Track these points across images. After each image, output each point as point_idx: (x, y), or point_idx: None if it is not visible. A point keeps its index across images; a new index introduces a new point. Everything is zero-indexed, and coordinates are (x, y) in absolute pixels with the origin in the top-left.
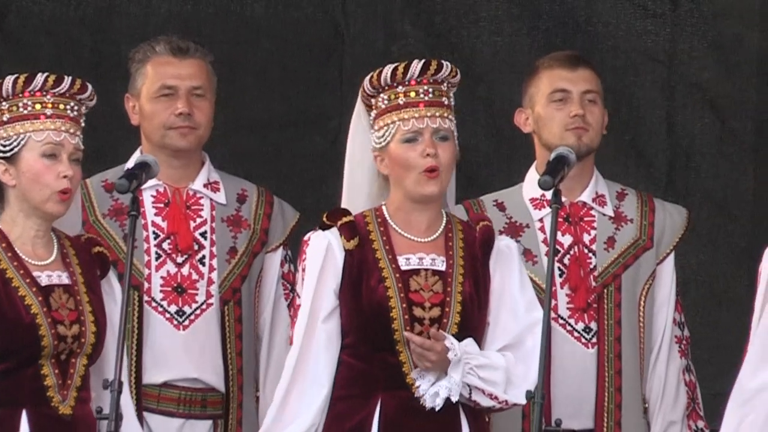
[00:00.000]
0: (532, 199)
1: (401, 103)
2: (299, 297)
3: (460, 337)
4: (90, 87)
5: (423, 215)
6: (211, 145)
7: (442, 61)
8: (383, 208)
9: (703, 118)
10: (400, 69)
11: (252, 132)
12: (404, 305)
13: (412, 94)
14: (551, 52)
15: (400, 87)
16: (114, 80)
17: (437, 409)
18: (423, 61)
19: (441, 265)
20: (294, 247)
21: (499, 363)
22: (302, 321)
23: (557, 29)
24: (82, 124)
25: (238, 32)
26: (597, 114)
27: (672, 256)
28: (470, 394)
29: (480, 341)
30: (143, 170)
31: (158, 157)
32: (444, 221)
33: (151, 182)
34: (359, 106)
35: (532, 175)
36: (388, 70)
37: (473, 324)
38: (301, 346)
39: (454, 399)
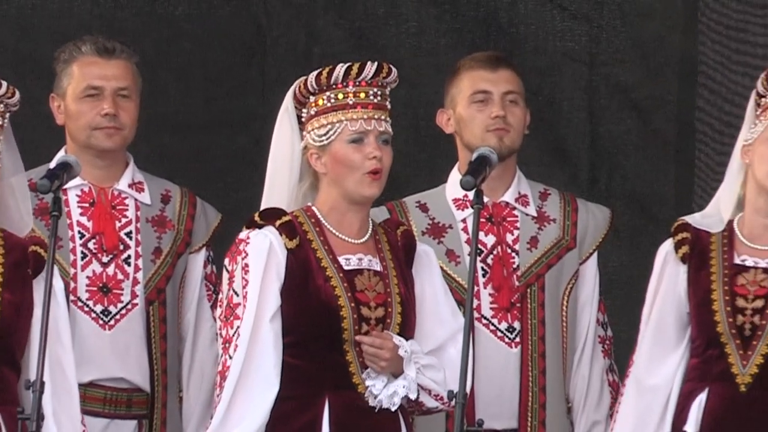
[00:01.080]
0: (455, 200)
1: (350, 102)
2: (236, 295)
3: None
4: (5, 84)
5: (356, 216)
6: (133, 145)
7: (391, 66)
8: (314, 209)
9: (626, 120)
10: (354, 68)
11: (174, 132)
12: (352, 305)
13: (362, 95)
14: (474, 53)
15: (351, 87)
16: (35, 79)
17: (393, 409)
18: (376, 63)
19: (377, 266)
20: (216, 248)
21: (438, 364)
22: (248, 321)
23: (479, 30)
24: (1, 123)
25: (160, 32)
26: (518, 115)
27: (595, 256)
28: (417, 395)
29: None
30: (64, 170)
31: (83, 157)
32: (370, 223)
33: (75, 182)
34: (288, 104)
35: (455, 176)
36: (341, 68)
37: (411, 325)
38: (248, 345)
39: (413, 396)
